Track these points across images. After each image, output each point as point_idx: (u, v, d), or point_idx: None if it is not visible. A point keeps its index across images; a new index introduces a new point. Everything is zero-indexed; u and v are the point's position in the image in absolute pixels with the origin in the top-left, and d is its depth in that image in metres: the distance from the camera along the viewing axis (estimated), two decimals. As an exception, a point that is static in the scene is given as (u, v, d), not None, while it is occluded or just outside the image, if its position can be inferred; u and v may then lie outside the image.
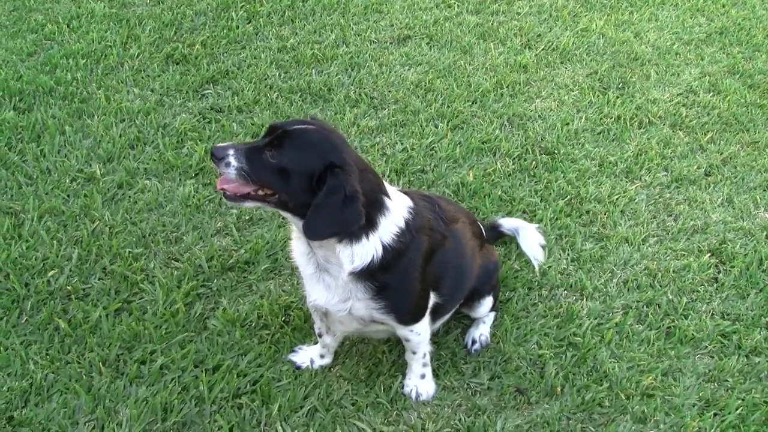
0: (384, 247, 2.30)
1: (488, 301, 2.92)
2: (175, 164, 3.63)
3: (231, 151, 2.21)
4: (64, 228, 3.28)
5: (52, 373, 2.74)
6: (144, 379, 2.74)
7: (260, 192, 2.23)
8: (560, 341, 2.99)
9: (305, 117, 3.87)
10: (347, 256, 2.29)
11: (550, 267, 3.28)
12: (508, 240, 3.33)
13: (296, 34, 4.76)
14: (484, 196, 3.61)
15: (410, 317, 2.53)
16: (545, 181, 3.75)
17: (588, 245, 3.41)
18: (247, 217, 3.38)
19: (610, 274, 3.29)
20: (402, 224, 2.34)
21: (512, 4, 5.27)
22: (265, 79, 4.30)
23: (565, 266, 3.31)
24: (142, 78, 4.26)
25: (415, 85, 4.37)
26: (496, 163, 3.83)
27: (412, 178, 3.70)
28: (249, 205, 2.26)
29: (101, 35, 4.63)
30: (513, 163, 3.85)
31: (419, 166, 3.77)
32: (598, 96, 4.39)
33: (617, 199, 3.67)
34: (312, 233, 2.20)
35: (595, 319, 3.08)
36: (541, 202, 3.62)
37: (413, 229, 2.38)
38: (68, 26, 4.73)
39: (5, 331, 2.87)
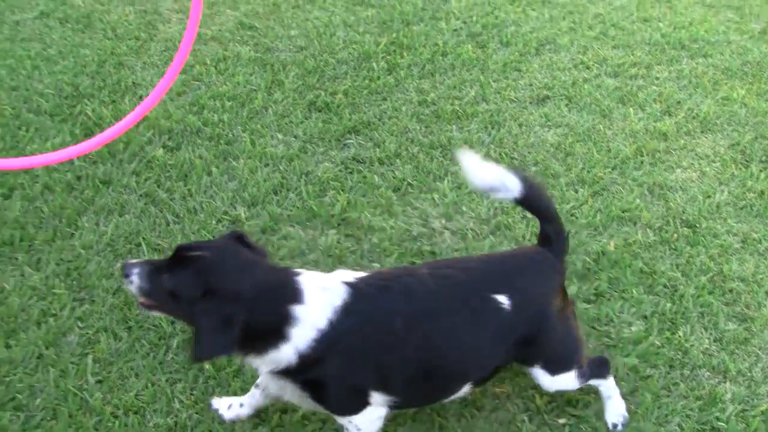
0: (299, 355, 2.28)
1: (566, 378, 2.73)
2: (317, 213, 3.67)
3: (136, 270, 2.33)
4: (209, 269, 3.33)
5: (196, 413, 2.78)
6: (284, 428, 2.75)
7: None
8: (702, 425, 2.90)
9: (336, 202, 3.88)
10: (260, 363, 2.33)
11: (692, 346, 3.19)
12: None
13: (436, 88, 4.78)
14: (625, 267, 3.54)
15: (340, 412, 2.48)
16: (687, 255, 3.66)
17: (731, 325, 3.31)
18: (388, 272, 3.39)
19: (755, 358, 3.18)
20: (323, 328, 2.29)
21: (651, 69, 5.19)
22: (406, 133, 4.32)
23: (708, 346, 3.22)
24: (286, 124, 4.33)
25: (555, 148, 4.34)
26: (637, 233, 3.75)
27: (552, 243, 3.66)
28: (157, 314, 2.46)
29: (246, 79, 4.74)
30: (654, 235, 3.77)
31: (559, 231, 3.73)
32: (741, 169, 4.28)
33: (761, 278, 3.56)
34: (194, 354, 2.24)
35: (740, 404, 2.98)
36: (682, 276, 3.53)
37: (340, 332, 2.31)
38: (215, 68, 4.85)
39: (152, 367, 2.92)
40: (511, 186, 2.57)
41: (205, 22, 5.48)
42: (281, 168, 3.98)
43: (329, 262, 3.41)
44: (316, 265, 3.39)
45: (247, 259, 2.34)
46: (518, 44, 5.39)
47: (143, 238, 3.50)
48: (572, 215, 3.85)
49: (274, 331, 2.27)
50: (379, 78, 4.82)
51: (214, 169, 3.91)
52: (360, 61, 5.02)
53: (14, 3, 5.70)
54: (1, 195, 3.73)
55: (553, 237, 2.71)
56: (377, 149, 4.16)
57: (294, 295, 2.30)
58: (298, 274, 2.36)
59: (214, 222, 3.59)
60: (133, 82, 4.68)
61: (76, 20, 5.45)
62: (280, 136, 4.23)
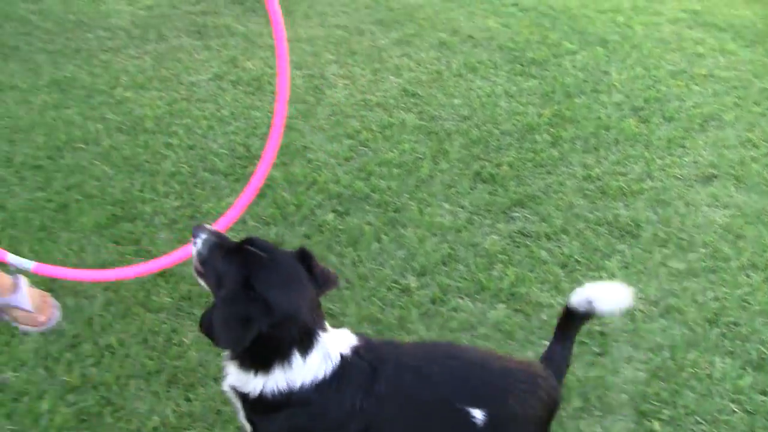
0: (260, 393, 2.25)
1: None
2: (486, 286, 3.68)
3: (204, 236, 2.35)
4: (381, 336, 3.37)
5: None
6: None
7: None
8: None
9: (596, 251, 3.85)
10: (233, 372, 2.31)
11: None
12: None
13: (600, 163, 4.75)
14: (804, 361, 3.42)
15: None
16: None
17: None
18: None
19: None
20: (294, 386, 2.24)
21: (824, 150, 5.04)
22: (572, 208, 4.30)
23: None
24: (452, 194, 4.37)
25: (724, 229, 4.24)
26: (817, 323, 3.62)
27: (724, 330, 3.56)
28: (203, 283, 2.37)
29: (412, 146, 4.81)
30: (836, 324, 3.63)
31: (732, 318, 3.63)
32: None
33: None
34: (201, 324, 2.23)
35: None
36: None
37: (298, 401, 2.25)
38: (381, 134, 4.95)
39: None
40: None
41: (369, 88, 5.62)
42: (449, 239, 4.01)
43: (499, 336, 3.40)
44: (486, 340, 3.38)
45: (294, 282, 2.28)
46: (682, 120, 5.33)
47: (315, 301, 3.57)
48: (744, 301, 3.75)
49: (266, 360, 2.24)
50: (543, 151, 4.83)
51: (383, 236, 3.97)
52: (523, 133, 5.05)
53: (190, 65, 5.98)
54: (178, 251, 3.86)
55: (559, 359, 2.53)
56: (543, 224, 4.15)
57: (304, 345, 2.24)
58: (323, 328, 2.30)
59: (384, 290, 3.63)
60: (303, 145, 4.82)
61: (247, 83, 5.67)
62: (447, 206, 4.27)
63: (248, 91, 5.56)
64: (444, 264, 3.84)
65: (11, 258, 2.91)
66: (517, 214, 4.23)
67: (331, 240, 3.97)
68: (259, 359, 2.24)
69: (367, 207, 4.23)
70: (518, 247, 3.99)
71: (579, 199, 4.39)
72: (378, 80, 5.79)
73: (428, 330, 3.42)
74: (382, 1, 7.59)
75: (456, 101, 5.46)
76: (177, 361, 3.26)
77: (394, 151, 4.77)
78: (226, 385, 2.38)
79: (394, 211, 4.20)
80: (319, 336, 2.26)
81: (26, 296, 3.39)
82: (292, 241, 3.94)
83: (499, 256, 3.90)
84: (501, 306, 3.58)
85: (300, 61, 6.07)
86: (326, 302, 3.54)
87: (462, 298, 3.62)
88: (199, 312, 3.46)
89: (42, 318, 3.41)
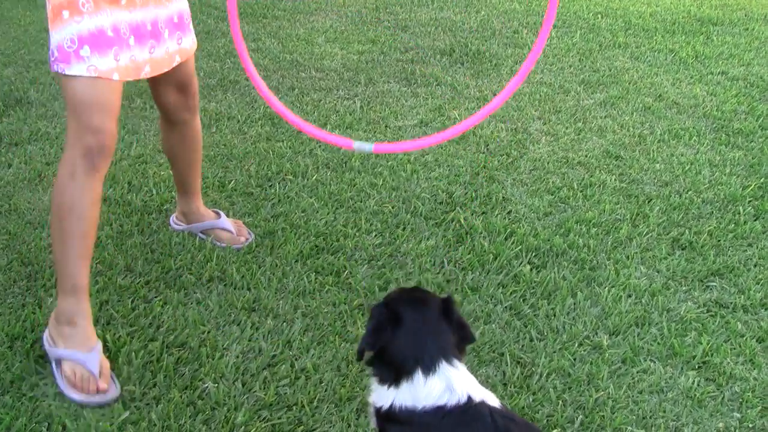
0: (390, 406, 2.37)
1: None
2: (678, 351, 3.70)
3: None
4: (569, 390, 3.46)
5: None
6: None
7: None
8: None
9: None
10: (373, 387, 2.49)
11: None
12: None
13: (803, 240, 4.66)
14: None
15: None
16: None
17: None
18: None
19: None
20: (417, 405, 2.36)
21: None
22: (773, 282, 4.25)
23: None
24: (649, 257, 4.41)
25: None
26: None
27: None
28: None
29: (612, 207, 4.88)
30: None
31: None
32: None
33: None
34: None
35: None
36: None
37: (419, 416, 2.35)
38: (582, 193, 5.04)
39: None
40: None
41: (572, 147, 5.73)
42: (643, 301, 4.05)
43: (689, 404, 3.41)
44: (674, 405, 3.41)
45: (427, 310, 2.53)
46: None
47: (507, 348, 3.69)
48: None
49: (395, 375, 2.43)
50: (745, 223, 4.78)
51: (578, 293, 4.06)
52: (726, 203, 5.01)
53: (397, 110, 6.28)
54: (377, 286, 4.07)
55: None
56: (741, 296, 4.12)
57: (427, 367, 2.41)
58: (451, 362, 2.43)
59: (576, 345, 3.71)
60: (503, 197, 4.97)
61: (453, 132, 5.88)
62: (643, 269, 4.31)
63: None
64: (637, 326, 3.88)
65: (356, 144, 3.24)
66: (714, 284, 4.22)
67: (526, 291, 4.09)
68: (389, 373, 2.43)
69: (564, 263, 4.32)
70: (713, 316, 3.98)
71: (780, 274, 4.33)
72: (581, 139, 5.89)
73: (616, 389, 3.47)
74: (588, 62, 7.70)
75: (658, 166, 5.49)
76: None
77: (594, 210, 4.85)
78: (369, 401, 2.57)
79: (591, 269, 4.27)
80: (444, 365, 2.41)
81: (228, 221, 4.38)
82: (488, 289, 4.08)
83: (694, 323, 3.91)
84: (692, 373, 3.59)
85: (505, 115, 6.26)
86: (517, 350, 3.67)
87: (653, 361, 3.65)
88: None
89: (242, 239, 4.37)
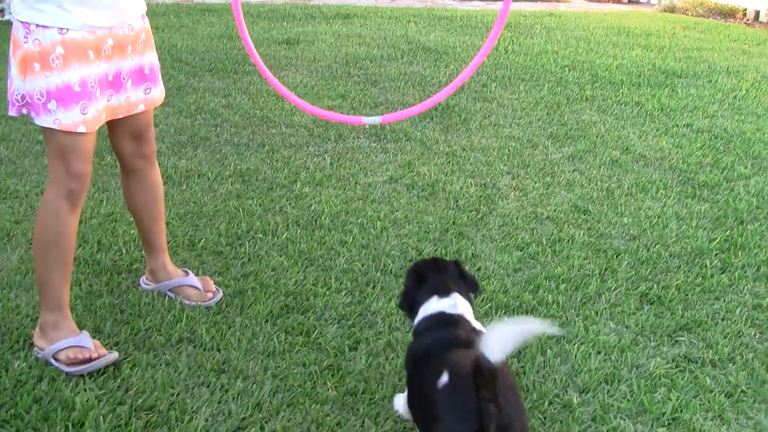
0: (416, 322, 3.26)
1: None
2: (648, 408, 3.71)
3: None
4: (541, 450, 3.46)
5: None
6: None
7: None
8: None
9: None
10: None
11: None
12: None
13: (772, 293, 4.71)
14: None
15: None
16: None
17: None
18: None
19: None
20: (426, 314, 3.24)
21: None
22: (740, 336, 4.28)
23: None
24: (618, 313, 4.44)
25: None
26: None
27: None
28: None
29: (580, 262, 4.92)
30: None
31: None
32: None
33: None
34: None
35: None
36: None
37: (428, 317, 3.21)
38: (551, 248, 5.08)
39: None
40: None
41: (540, 201, 5.79)
42: (612, 357, 4.07)
43: (659, 462, 3.42)
44: (646, 463, 3.41)
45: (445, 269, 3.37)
46: None
47: (478, 408, 3.68)
48: None
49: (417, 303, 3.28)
50: (712, 276, 4.84)
51: (548, 350, 4.07)
52: (693, 257, 5.07)
53: (367, 166, 6.31)
54: (347, 346, 4.06)
55: None
56: (710, 350, 4.16)
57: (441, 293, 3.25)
58: (460, 292, 3.28)
59: (546, 404, 3.72)
60: (473, 254, 5.00)
61: (422, 188, 5.94)
62: (612, 324, 4.34)
63: (422, 196, 5.81)
64: (607, 382, 3.89)
65: (366, 119, 3.93)
66: (682, 338, 4.25)
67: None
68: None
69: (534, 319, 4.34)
70: (682, 371, 4.00)
71: (748, 328, 4.37)
72: (549, 194, 5.94)
73: (588, 448, 3.47)
74: (556, 115, 7.80)
75: (626, 220, 5.55)
76: (342, 453, 3.43)
77: (563, 266, 4.88)
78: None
79: (560, 326, 4.29)
80: (455, 294, 3.24)
81: (196, 278, 4.39)
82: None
83: (663, 379, 3.93)
84: (662, 430, 3.60)
85: (474, 170, 6.32)
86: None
87: (623, 419, 3.66)
88: (364, 409, 3.63)
89: (209, 295, 4.36)
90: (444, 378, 2.75)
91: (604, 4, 15.95)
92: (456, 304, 3.18)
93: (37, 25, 3.34)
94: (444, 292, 3.20)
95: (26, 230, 5.13)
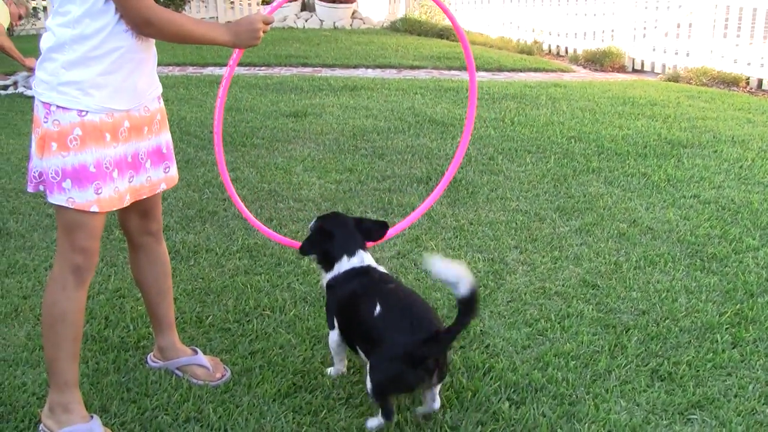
0: (329, 280, 4.27)
1: None
2: (661, 490, 3.65)
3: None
4: None
5: None
6: None
7: None
8: None
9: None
10: (322, 275, 4.37)
11: None
12: None
13: (782, 370, 4.66)
14: None
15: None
16: None
17: None
18: None
19: None
20: (338, 273, 4.21)
21: None
22: (753, 414, 4.22)
23: None
24: (629, 390, 4.39)
25: None
26: None
27: None
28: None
29: (589, 338, 4.88)
30: None
31: None
32: None
33: None
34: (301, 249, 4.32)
35: None
36: None
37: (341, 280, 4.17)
38: (560, 324, 5.05)
39: None
40: (462, 288, 3.52)
41: (549, 276, 5.77)
42: (625, 437, 4.02)
43: None
44: None
45: (348, 229, 4.28)
46: None
47: (488, 490, 3.63)
48: None
49: (331, 261, 4.21)
50: (723, 351, 4.79)
51: (558, 430, 4.02)
52: (703, 331, 5.03)
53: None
54: (356, 427, 4.02)
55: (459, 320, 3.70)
56: (723, 429, 4.10)
57: (346, 249, 4.19)
58: (363, 249, 4.27)
59: (558, 486, 3.66)
60: (481, 331, 4.98)
61: (430, 262, 5.92)
62: (623, 402, 4.29)
63: (429, 274, 5.79)
64: (623, 465, 3.84)
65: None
66: (695, 416, 4.20)
67: (505, 428, 4.05)
68: (328, 264, 4.23)
69: (543, 398, 4.30)
70: (696, 451, 3.94)
71: (761, 405, 4.31)
72: (557, 268, 5.93)
73: None
74: (563, 188, 7.83)
75: (634, 294, 5.52)
76: None
77: (572, 342, 4.85)
78: (322, 281, 4.31)
79: (570, 404, 4.25)
80: (360, 252, 4.22)
81: (204, 357, 4.41)
82: (467, 428, 4.03)
83: (676, 459, 3.87)
84: None
85: (482, 245, 6.32)
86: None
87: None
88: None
89: (218, 375, 4.37)
90: (377, 308, 3.83)
91: (608, 73, 16.09)
92: (363, 259, 4.16)
93: (58, 107, 3.44)
94: (351, 252, 4.13)
95: (34, 306, 5.14)
